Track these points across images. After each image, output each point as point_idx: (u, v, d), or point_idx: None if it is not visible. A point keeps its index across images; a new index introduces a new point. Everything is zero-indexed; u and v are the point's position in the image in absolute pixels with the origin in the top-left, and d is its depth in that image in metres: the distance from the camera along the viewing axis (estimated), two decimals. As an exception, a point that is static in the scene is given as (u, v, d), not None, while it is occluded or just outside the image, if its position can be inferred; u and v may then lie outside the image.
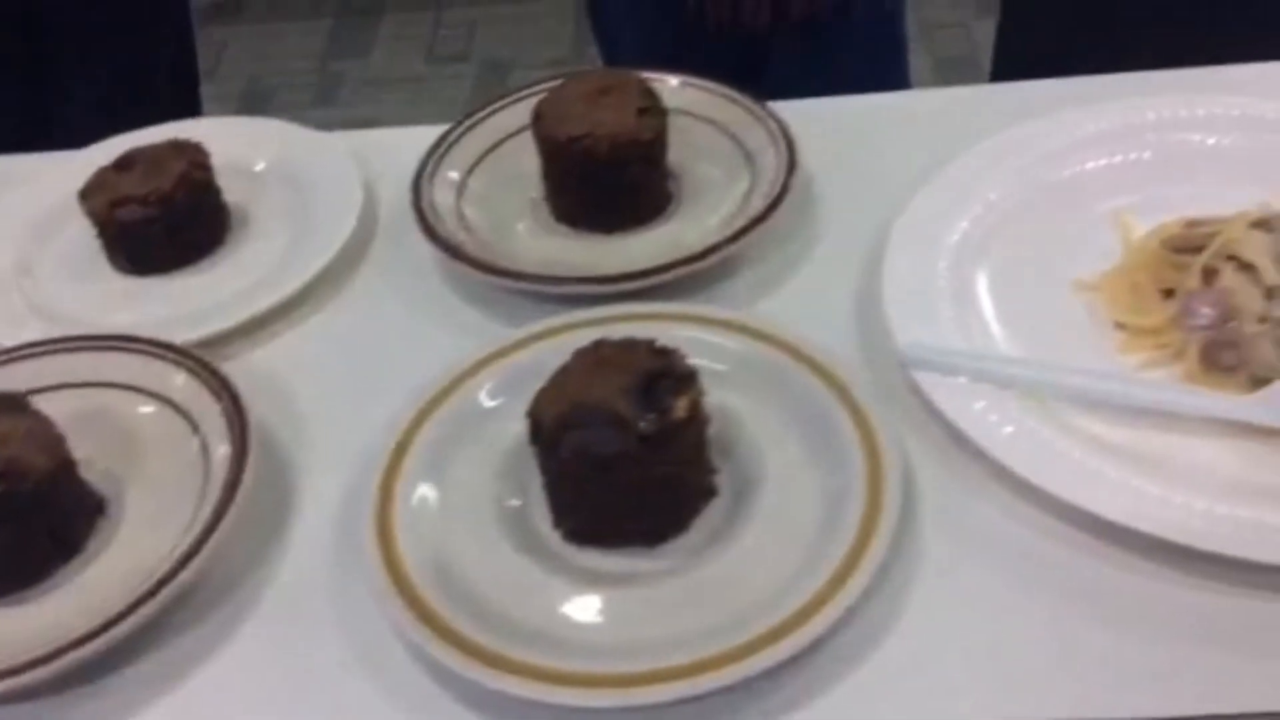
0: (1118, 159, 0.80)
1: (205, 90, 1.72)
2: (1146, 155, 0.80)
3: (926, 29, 2.74)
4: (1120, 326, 0.70)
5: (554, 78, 0.85)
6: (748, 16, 1.21)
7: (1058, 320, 0.70)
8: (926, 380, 0.66)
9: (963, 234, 0.75)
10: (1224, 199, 0.72)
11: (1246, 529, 0.58)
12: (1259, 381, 0.64)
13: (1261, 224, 0.67)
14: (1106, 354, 0.68)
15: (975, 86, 0.92)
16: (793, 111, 0.85)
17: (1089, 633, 0.57)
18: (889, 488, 0.59)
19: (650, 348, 0.61)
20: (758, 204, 0.77)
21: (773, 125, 0.82)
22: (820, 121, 0.86)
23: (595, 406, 0.58)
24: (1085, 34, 1.21)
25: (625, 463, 0.57)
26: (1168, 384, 0.66)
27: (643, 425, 0.57)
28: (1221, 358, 0.65)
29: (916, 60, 2.71)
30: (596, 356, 0.61)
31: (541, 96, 0.80)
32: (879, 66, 1.37)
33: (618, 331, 0.65)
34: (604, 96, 0.78)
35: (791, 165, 0.78)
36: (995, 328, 0.70)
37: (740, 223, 0.76)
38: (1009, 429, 0.63)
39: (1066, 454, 0.62)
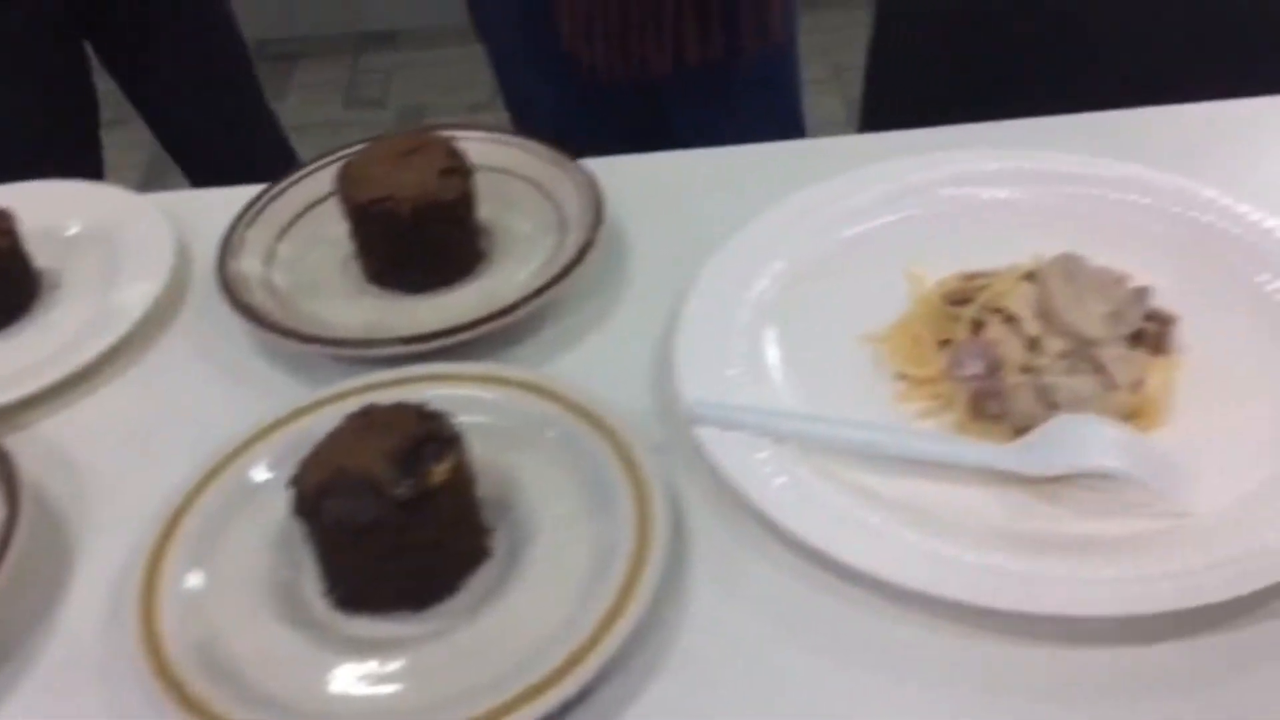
0: (915, 213, 0.82)
1: (116, 138, 1.74)
2: (941, 210, 0.82)
3: (838, 71, 2.79)
4: (901, 377, 0.72)
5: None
6: (638, 69, 1.24)
7: (845, 372, 0.72)
8: (708, 435, 0.67)
9: (760, 290, 0.77)
10: (1014, 250, 0.74)
11: (1012, 580, 0.59)
12: (1022, 430, 0.66)
13: (1029, 276, 0.70)
14: (887, 404, 0.70)
15: (795, 142, 0.95)
16: (612, 167, 0.87)
17: (858, 683, 0.58)
18: (656, 540, 0.60)
19: (419, 411, 0.62)
20: (565, 259, 0.79)
21: (581, 179, 0.83)
22: (635, 177, 0.88)
23: (353, 473, 0.58)
24: (951, 85, 1.24)
25: (383, 529, 0.58)
26: (937, 434, 0.67)
27: (399, 491, 0.58)
28: (987, 407, 0.67)
29: (830, 100, 2.78)
30: (365, 421, 0.61)
31: (348, 160, 0.82)
32: (776, 108, 1.42)
33: (407, 394, 0.66)
34: (408, 158, 0.79)
35: (597, 220, 0.80)
36: (782, 381, 0.72)
37: (545, 278, 0.77)
38: (780, 482, 0.64)
39: (835, 506, 0.63)
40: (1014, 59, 1.20)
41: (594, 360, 0.77)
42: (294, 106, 3.12)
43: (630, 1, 1.18)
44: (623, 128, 1.39)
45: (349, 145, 0.88)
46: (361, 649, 0.59)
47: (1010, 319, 0.68)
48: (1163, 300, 0.72)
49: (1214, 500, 0.62)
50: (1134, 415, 0.67)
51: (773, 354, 0.73)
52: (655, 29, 1.22)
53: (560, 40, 1.23)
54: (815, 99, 1.56)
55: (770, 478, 0.64)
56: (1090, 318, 0.66)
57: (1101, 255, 0.73)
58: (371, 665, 0.59)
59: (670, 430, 0.70)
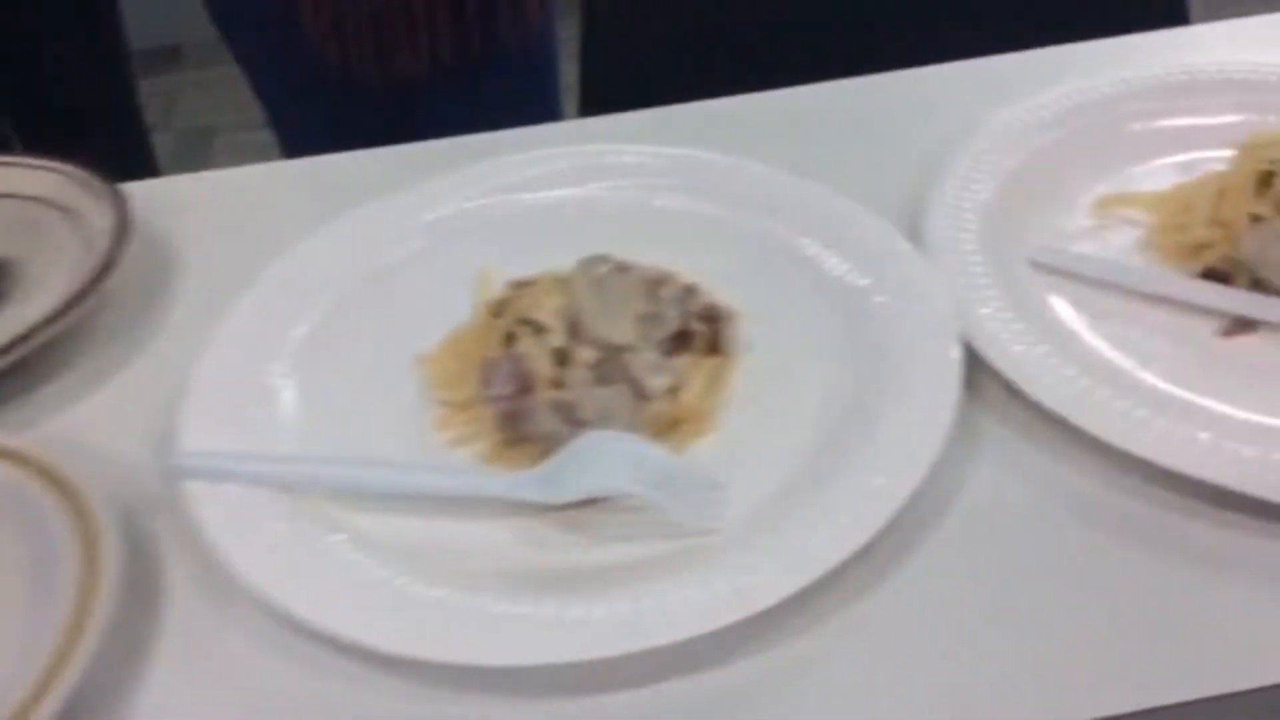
0: (495, 216, 0.75)
1: None
2: (516, 211, 0.76)
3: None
4: (442, 403, 0.65)
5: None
6: (398, 67, 1.16)
7: (386, 402, 0.65)
8: (194, 490, 0.59)
9: (303, 317, 0.69)
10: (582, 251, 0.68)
11: (499, 631, 0.52)
12: (552, 451, 0.60)
13: (563, 283, 0.64)
14: (424, 434, 0.63)
15: (378, 150, 0.87)
16: (174, 187, 0.80)
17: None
18: (96, 611, 0.53)
19: None
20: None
21: (111, 203, 0.75)
22: (197, 194, 0.82)
23: None
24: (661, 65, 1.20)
25: None
26: (454, 467, 0.61)
27: None
28: (518, 430, 0.61)
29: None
30: None
31: None
32: (532, 108, 1.33)
33: None
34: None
35: (119, 242, 0.72)
36: (305, 420, 0.64)
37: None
38: (260, 540, 0.56)
39: (316, 564, 0.55)
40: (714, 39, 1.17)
41: (123, 401, 0.68)
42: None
43: None
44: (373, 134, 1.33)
45: None
46: None
47: (540, 330, 0.62)
48: (735, 295, 0.67)
49: (741, 511, 0.57)
50: (674, 425, 0.61)
51: (301, 390, 0.65)
52: (408, 25, 1.14)
53: (305, 43, 1.15)
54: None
55: (247, 536, 0.56)
56: (620, 323, 0.61)
57: (669, 252, 0.68)
58: None
59: (170, 484, 0.61)
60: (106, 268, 0.70)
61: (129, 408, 0.68)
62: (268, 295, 0.70)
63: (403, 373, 0.67)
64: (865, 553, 0.54)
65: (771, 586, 0.52)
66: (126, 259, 0.72)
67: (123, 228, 0.73)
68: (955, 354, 0.62)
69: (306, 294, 0.70)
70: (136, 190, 0.79)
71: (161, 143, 2.90)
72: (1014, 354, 0.62)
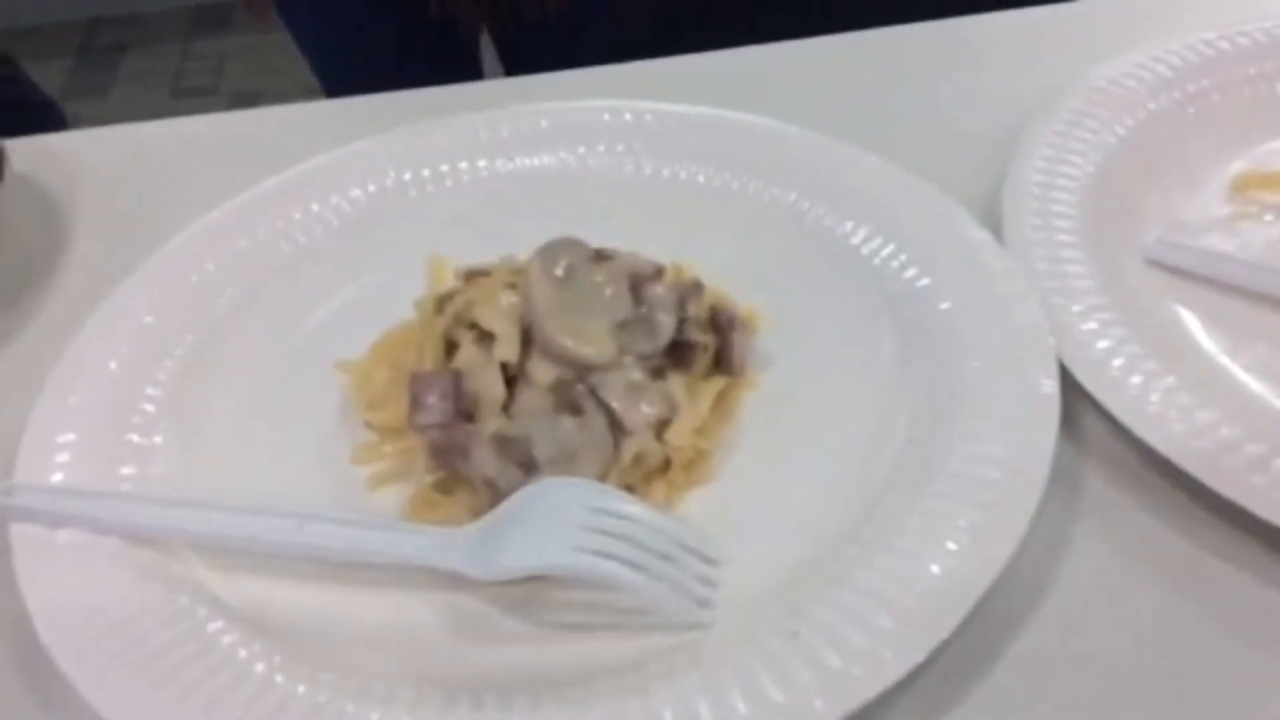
0: (449, 185, 0.59)
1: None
2: (480, 180, 0.60)
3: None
4: (368, 425, 0.50)
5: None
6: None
7: (295, 423, 0.50)
8: (20, 538, 0.44)
9: (185, 320, 0.53)
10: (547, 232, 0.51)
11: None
12: (497, 500, 0.45)
13: (519, 273, 0.48)
14: (339, 468, 0.48)
15: (289, 106, 0.71)
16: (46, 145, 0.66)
17: None
18: None
19: None
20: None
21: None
22: (100, 152, 0.66)
23: None
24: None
25: None
26: (358, 519, 0.44)
27: None
28: (453, 470, 0.46)
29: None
30: None
31: None
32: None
33: None
34: None
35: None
36: (186, 448, 0.49)
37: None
38: (94, 614, 0.41)
39: (161, 651, 0.40)
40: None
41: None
42: (119, 100, 2.87)
43: None
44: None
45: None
46: None
47: (485, 337, 0.47)
48: (752, 295, 0.51)
49: (744, 599, 0.41)
50: (659, 472, 0.46)
51: (185, 405, 0.50)
52: None
53: None
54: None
55: (80, 609, 0.41)
56: (591, 332, 0.46)
57: (657, 237, 0.52)
58: None
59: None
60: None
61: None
62: (156, 280, 0.54)
63: (322, 384, 0.51)
64: (921, 670, 0.38)
65: (769, 715, 0.37)
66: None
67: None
68: (1049, 385, 0.45)
69: (205, 282, 0.55)
70: (24, 146, 0.65)
71: (211, 105, 2.82)
72: (1129, 389, 0.46)
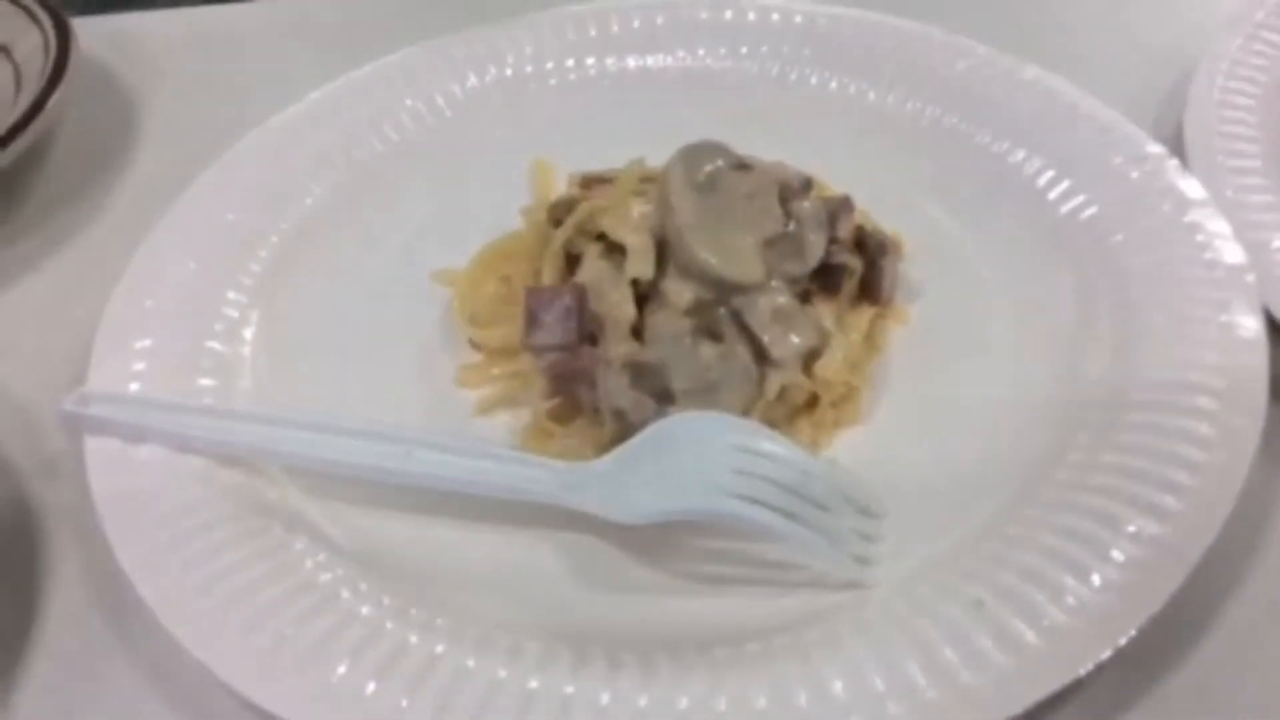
0: (554, 83, 0.54)
1: None
2: (588, 79, 0.54)
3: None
4: (474, 344, 0.46)
5: None
6: None
7: (391, 337, 0.45)
8: (94, 451, 0.39)
9: (267, 223, 0.49)
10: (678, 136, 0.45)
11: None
12: (626, 435, 0.40)
13: (650, 181, 0.43)
14: (443, 391, 0.43)
15: None
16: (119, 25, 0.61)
17: None
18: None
19: None
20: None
21: (46, 32, 0.54)
22: (175, 35, 0.61)
23: None
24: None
25: None
26: (470, 446, 0.39)
27: None
28: (576, 398, 0.42)
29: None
30: None
31: None
32: None
33: None
34: None
35: (52, 83, 0.51)
36: (273, 360, 0.44)
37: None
38: (177, 540, 0.37)
39: (254, 584, 0.36)
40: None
41: (34, 309, 0.49)
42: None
43: None
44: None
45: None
46: None
47: (615, 251, 0.42)
48: (901, 218, 0.46)
49: (910, 556, 0.36)
50: (808, 409, 0.41)
51: (269, 314, 0.46)
52: None
53: None
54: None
55: (162, 533, 0.37)
56: (736, 248, 0.40)
57: (792, 145, 0.46)
58: None
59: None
60: (27, 118, 0.50)
61: (41, 319, 0.49)
62: (238, 174, 0.50)
63: (419, 296, 0.47)
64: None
65: (975, 702, 0.32)
66: (60, 111, 0.52)
67: (60, 66, 0.52)
68: (1253, 328, 0.40)
69: (290, 179, 0.50)
70: (94, 26, 0.60)
71: None
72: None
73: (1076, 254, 0.45)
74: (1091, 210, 0.46)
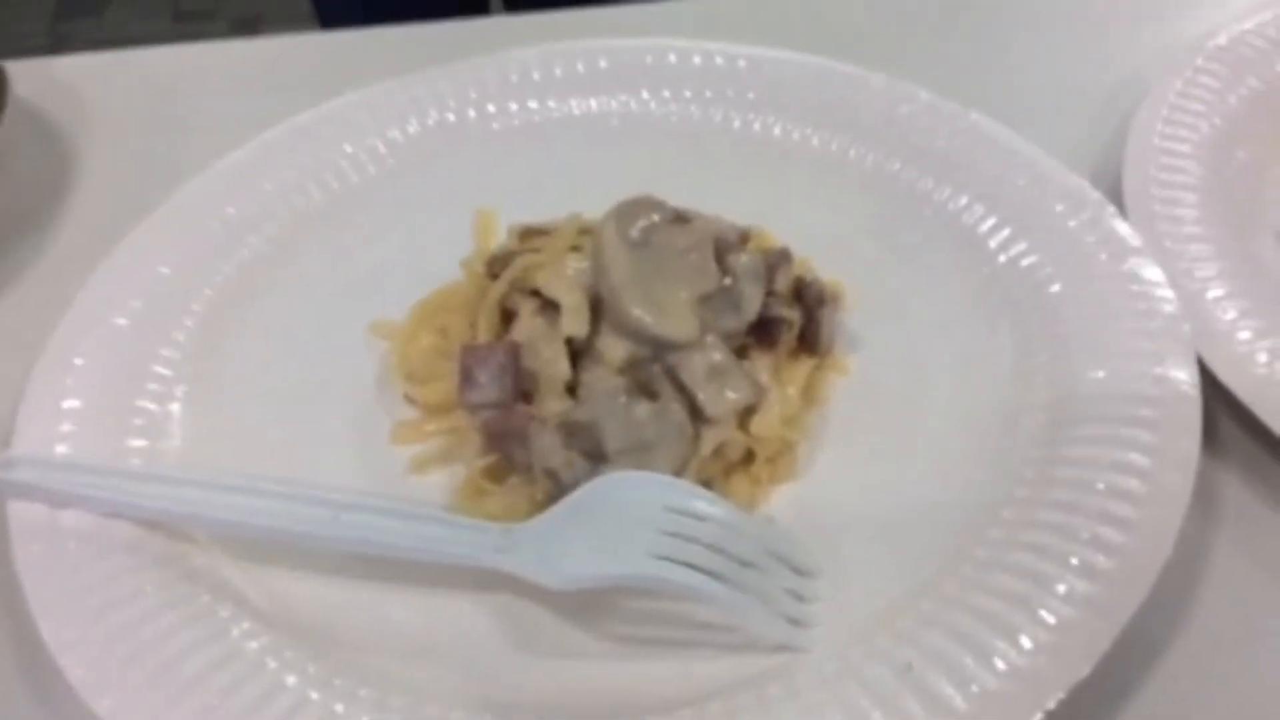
0: (498, 128, 0.53)
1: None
2: (533, 123, 0.54)
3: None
4: (409, 400, 0.45)
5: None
6: None
7: (325, 394, 0.44)
8: (16, 517, 0.38)
9: (203, 274, 0.48)
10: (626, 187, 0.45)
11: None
12: (559, 493, 0.40)
13: (587, 234, 0.43)
14: (376, 448, 0.43)
15: (362, 30, 0.64)
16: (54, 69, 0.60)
17: None
18: None
19: None
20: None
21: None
22: (114, 79, 0.61)
23: None
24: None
25: None
26: (399, 508, 0.38)
27: None
28: (509, 456, 0.41)
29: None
30: None
31: None
32: None
33: None
34: None
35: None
36: (203, 419, 0.43)
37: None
38: (98, 609, 0.36)
39: (176, 653, 0.35)
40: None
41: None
42: (115, 20, 2.78)
43: None
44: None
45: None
46: None
47: (549, 306, 0.42)
48: (843, 267, 0.46)
49: (845, 618, 0.36)
50: (741, 465, 0.41)
51: (203, 370, 0.45)
52: None
53: None
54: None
55: (81, 601, 0.36)
56: (671, 305, 0.40)
57: (735, 190, 0.48)
58: None
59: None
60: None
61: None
62: (173, 225, 0.49)
63: (357, 350, 0.46)
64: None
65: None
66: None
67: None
68: (1187, 381, 0.40)
69: (227, 229, 0.49)
70: (25, 69, 0.59)
71: (211, 32, 2.73)
72: (1275, 387, 0.41)
73: (1015, 303, 0.45)
74: (1031, 259, 0.46)
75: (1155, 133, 0.50)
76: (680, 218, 0.42)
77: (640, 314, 0.40)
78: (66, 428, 0.42)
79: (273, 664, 0.36)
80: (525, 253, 0.43)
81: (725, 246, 0.42)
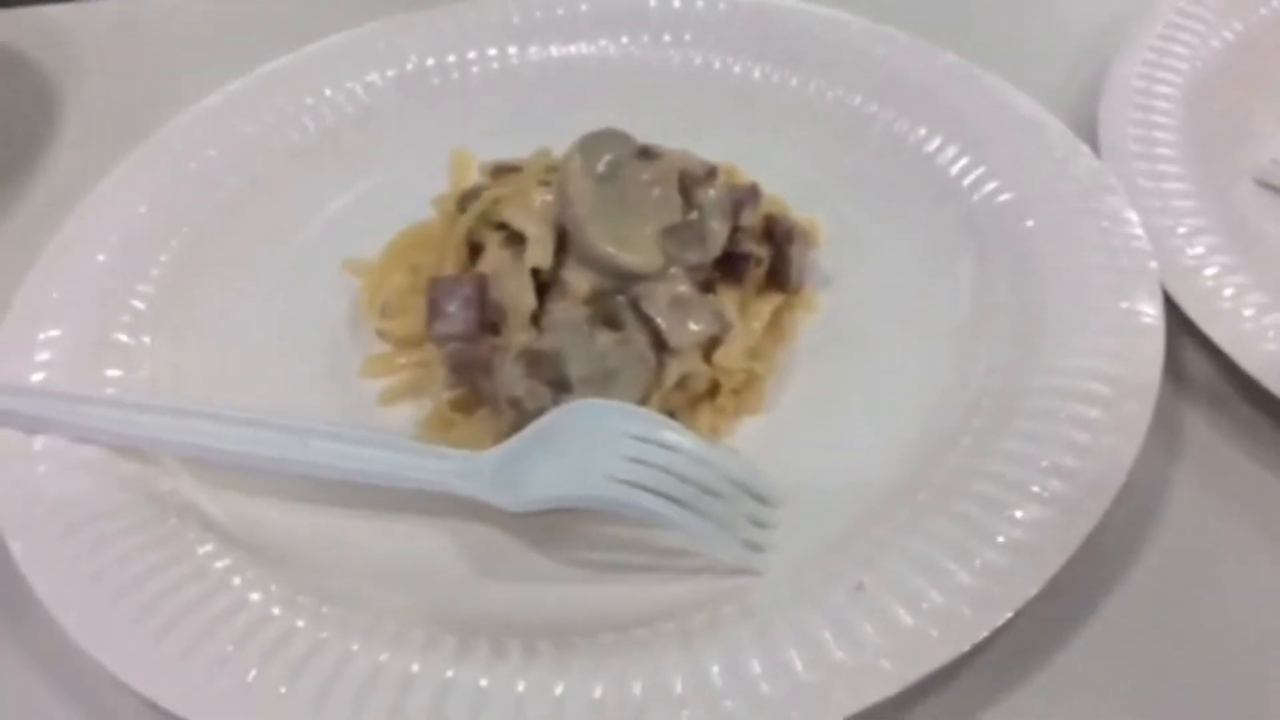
0: (475, 72, 0.54)
1: None
2: (509, 67, 0.54)
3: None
4: (380, 334, 0.46)
5: None
6: None
7: (298, 328, 0.45)
8: None
9: (179, 213, 0.48)
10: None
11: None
12: (523, 423, 0.40)
13: (553, 170, 0.43)
14: (347, 380, 0.44)
15: None
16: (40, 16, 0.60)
17: None
18: None
19: None
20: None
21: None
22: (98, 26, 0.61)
23: None
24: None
25: None
26: (368, 436, 0.39)
27: None
28: (474, 387, 0.42)
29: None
30: None
31: None
32: None
33: None
34: None
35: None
36: (177, 350, 0.44)
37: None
38: (70, 530, 0.37)
39: (144, 570, 0.36)
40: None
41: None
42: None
43: None
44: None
45: None
46: None
47: (515, 239, 0.42)
48: (813, 204, 0.46)
49: (800, 545, 0.37)
50: (707, 397, 0.41)
51: (177, 304, 0.45)
52: None
53: None
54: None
55: (54, 523, 0.37)
56: (636, 237, 0.40)
57: (712, 133, 0.47)
58: None
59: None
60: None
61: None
62: (152, 166, 0.49)
63: (331, 287, 0.46)
64: (999, 632, 0.34)
65: (848, 682, 0.32)
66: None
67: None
68: (1151, 314, 0.40)
69: (206, 170, 0.50)
70: (9, 17, 0.59)
71: None
72: (1242, 321, 0.40)
73: (986, 241, 0.45)
74: (1004, 197, 0.46)
75: (1134, 74, 0.50)
76: (647, 152, 0.42)
77: (603, 245, 0.40)
78: (43, 357, 0.43)
79: (237, 581, 0.36)
80: (493, 189, 0.44)
81: (692, 181, 0.42)
